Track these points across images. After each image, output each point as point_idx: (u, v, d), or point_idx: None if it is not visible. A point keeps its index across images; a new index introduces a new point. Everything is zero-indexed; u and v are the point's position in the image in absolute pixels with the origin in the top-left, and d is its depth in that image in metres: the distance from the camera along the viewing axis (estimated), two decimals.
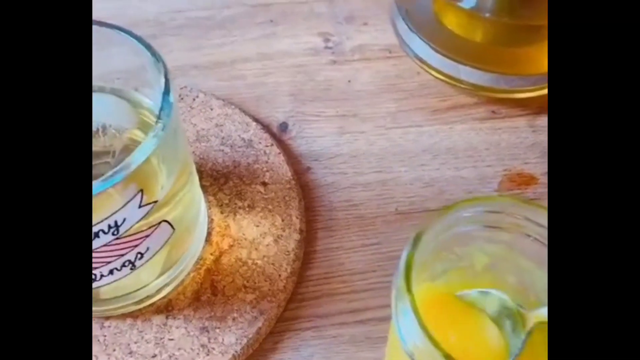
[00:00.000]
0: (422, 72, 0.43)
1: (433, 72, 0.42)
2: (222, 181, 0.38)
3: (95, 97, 0.32)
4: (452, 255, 0.27)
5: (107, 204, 0.26)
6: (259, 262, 0.35)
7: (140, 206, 0.27)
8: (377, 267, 0.35)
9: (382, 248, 0.36)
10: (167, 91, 0.27)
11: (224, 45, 0.44)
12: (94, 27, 0.30)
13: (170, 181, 0.29)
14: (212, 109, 0.40)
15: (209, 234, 0.35)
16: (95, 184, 0.25)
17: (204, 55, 0.44)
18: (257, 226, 0.36)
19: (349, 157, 0.40)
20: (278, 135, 0.40)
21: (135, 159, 0.25)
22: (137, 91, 0.32)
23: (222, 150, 0.39)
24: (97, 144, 0.31)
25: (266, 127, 0.40)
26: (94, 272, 0.29)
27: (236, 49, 0.44)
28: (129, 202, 0.26)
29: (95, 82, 0.33)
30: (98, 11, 0.47)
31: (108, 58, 0.32)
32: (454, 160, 0.39)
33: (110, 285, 0.30)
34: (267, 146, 0.39)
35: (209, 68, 0.43)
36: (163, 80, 0.27)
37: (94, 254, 0.28)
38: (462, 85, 0.41)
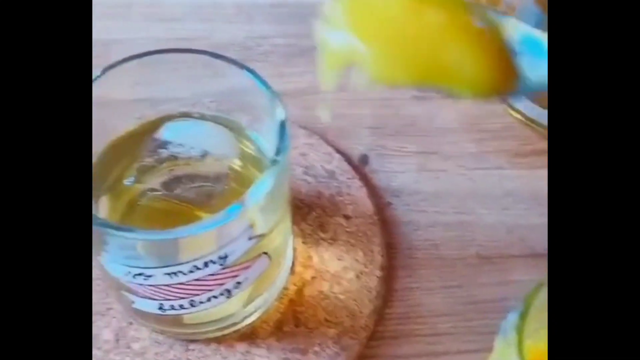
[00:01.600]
0: (507, 114, 0.43)
1: (518, 115, 0.42)
2: (306, 211, 0.38)
3: (197, 123, 0.33)
4: None
5: (221, 237, 0.26)
6: (341, 296, 0.35)
7: (249, 239, 0.27)
8: (457, 311, 0.35)
9: (462, 291, 0.36)
10: (284, 132, 0.27)
11: (306, 73, 0.45)
12: (205, 57, 0.31)
13: (276, 214, 0.29)
14: (296, 138, 0.41)
15: (292, 264, 0.36)
16: (215, 219, 0.25)
17: (288, 83, 0.44)
18: (340, 260, 0.36)
19: (429, 195, 0.40)
20: (359, 167, 0.41)
21: (254, 195, 0.26)
22: (237, 118, 0.33)
23: (306, 180, 0.39)
24: (196, 168, 0.32)
25: (347, 159, 0.40)
26: (192, 298, 0.29)
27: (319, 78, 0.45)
28: (241, 235, 0.27)
29: (198, 109, 0.33)
30: (187, 31, 0.48)
31: (211, 84, 0.33)
32: (538, 207, 0.39)
33: (199, 312, 0.31)
34: (349, 178, 0.39)
35: (292, 96, 0.43)
36: (280, 120, 0.28)
37: (197, 283, 0.28)
38: (546, 131, 0.41)
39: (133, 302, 0.30)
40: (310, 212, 0.38)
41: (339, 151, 0.41)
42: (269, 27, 0.47)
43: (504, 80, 0.25)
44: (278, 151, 0.27)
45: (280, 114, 0.28)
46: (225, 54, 0.31)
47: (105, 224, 0.25)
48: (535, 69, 0.24)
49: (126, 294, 0.30)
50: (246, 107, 0.32)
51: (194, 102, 0.34)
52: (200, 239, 0.26)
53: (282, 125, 0.27)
